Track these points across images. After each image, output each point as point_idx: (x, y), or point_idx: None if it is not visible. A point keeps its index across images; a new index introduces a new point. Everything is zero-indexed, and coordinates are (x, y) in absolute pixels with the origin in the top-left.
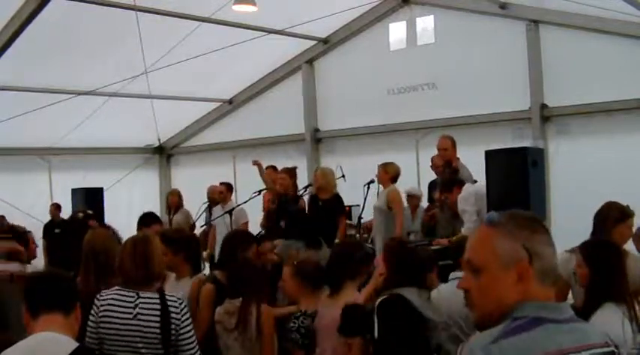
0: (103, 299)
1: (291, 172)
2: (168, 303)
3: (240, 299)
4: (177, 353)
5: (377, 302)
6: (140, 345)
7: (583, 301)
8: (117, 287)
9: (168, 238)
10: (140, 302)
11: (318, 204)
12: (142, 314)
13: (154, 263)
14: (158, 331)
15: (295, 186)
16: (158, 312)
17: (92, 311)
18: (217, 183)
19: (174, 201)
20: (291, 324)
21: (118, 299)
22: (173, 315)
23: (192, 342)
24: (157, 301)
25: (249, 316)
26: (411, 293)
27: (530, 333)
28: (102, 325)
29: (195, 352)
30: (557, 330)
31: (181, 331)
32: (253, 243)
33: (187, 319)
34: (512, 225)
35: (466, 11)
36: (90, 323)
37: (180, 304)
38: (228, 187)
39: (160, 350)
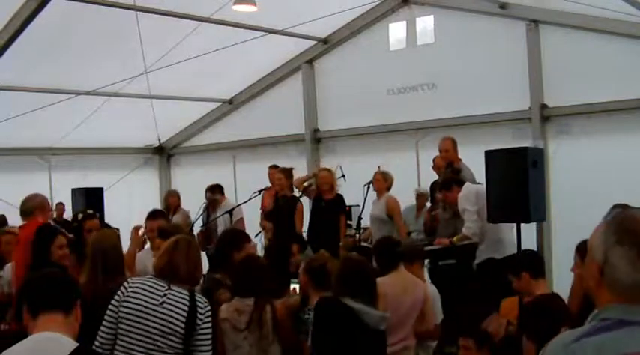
0: (133, 283)
1: (288, 173)
2: (197, 303)
3: (251, 298)
4: (192, 353)
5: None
6: (155, 332)
7: (580, 302)
8: (149, 276)
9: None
10: (170, 293)
11: (321, 204)
12: (169, 304)
13: (200, 268)
14: (180, 324)
15: (291, 186)
16: (186, 308)
17: (118, 292)
18: (216, 184)
19: (173, 202)
20: (306, 316)
21: (148, 284)
22: (198, 315)
23: (209, 345)
24: (187, 297)
25: (264, 314)
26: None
27: (611, 333)
28: (124, 304)
29: None
30: None
31: (201, 332)
32: (246, 242)
33: (209, 322)
34: (610, 227)
35: (466, 11)
36: (113, 303)
37: (206, 306)
38: (220, 190)
39: (177, 345)
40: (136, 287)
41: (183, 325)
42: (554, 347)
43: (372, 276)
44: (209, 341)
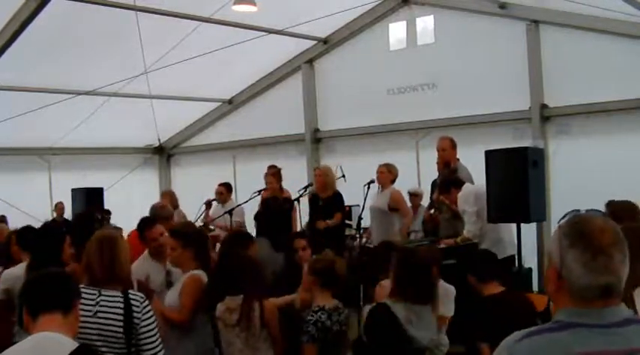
0: None
1: (277, 174)
2: (131, 302)
3: (241, 296)
4: (139, 353)
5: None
6: (99, 344)
7: None
8: (81, 285)
9: (178, 232)
10: (101, 300)
11: (318, 203)
12: (103, 312)
13: (120, 264)
14: (118, 330)
15: (281, 187)
16: (120, 310)
17: None
18: (217, 184)
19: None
20: (309, 317)
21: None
22: (134, 314)
23: (153, 342)
24: (120, 299)
25: (252, 312)
26: (400, 307)
27: (553, 334)
28: None
29: (158, 351)
30: (590, 334)
31: (142, 330)
32: (252, 242)
33: (149, 318)
34: (563, 230)
35: (466, 11)
36: None
37: (142, 303)
38: (228, 187)
39: (121, 349)
40: None
41: (119, 329)
42: (502, 345)
43: (429, 274)
44: (154, 338)
